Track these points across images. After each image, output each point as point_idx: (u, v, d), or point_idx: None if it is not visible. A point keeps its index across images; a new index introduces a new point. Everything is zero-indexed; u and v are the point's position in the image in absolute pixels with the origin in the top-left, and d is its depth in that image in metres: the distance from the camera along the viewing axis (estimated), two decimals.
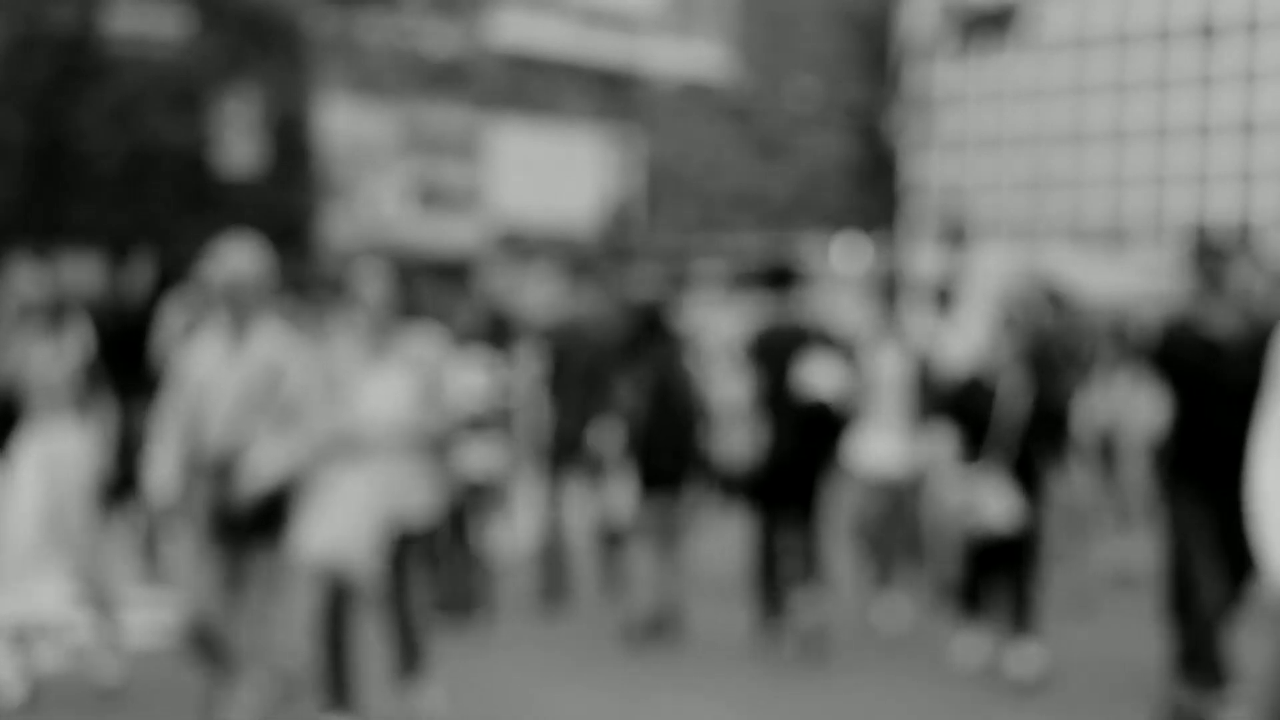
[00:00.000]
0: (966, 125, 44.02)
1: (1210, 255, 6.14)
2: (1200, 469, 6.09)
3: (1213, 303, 6.12)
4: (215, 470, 5.68)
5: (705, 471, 7.91)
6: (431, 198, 36.24)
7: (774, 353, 7.77)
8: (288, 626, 6.62)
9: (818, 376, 7.60)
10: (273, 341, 5.78)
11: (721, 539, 9.83)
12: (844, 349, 7.97)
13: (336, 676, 5.86)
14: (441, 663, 7.21)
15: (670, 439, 7.78)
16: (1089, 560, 9.83)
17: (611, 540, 8.95)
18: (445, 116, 36.32)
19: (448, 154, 36.55)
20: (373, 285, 5.93)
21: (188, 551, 5.74)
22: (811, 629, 7.54)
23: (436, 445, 6.02)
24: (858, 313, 11.46)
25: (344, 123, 33.44)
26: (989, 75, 42.92)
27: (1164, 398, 6.38)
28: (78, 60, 28.00)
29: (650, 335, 8.01)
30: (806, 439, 7.66)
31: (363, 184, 34.37)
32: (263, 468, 5.64)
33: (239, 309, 5.73)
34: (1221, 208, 39.11)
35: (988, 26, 41.09)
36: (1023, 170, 43.34)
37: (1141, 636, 7.71)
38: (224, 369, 5.73)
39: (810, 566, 7.65)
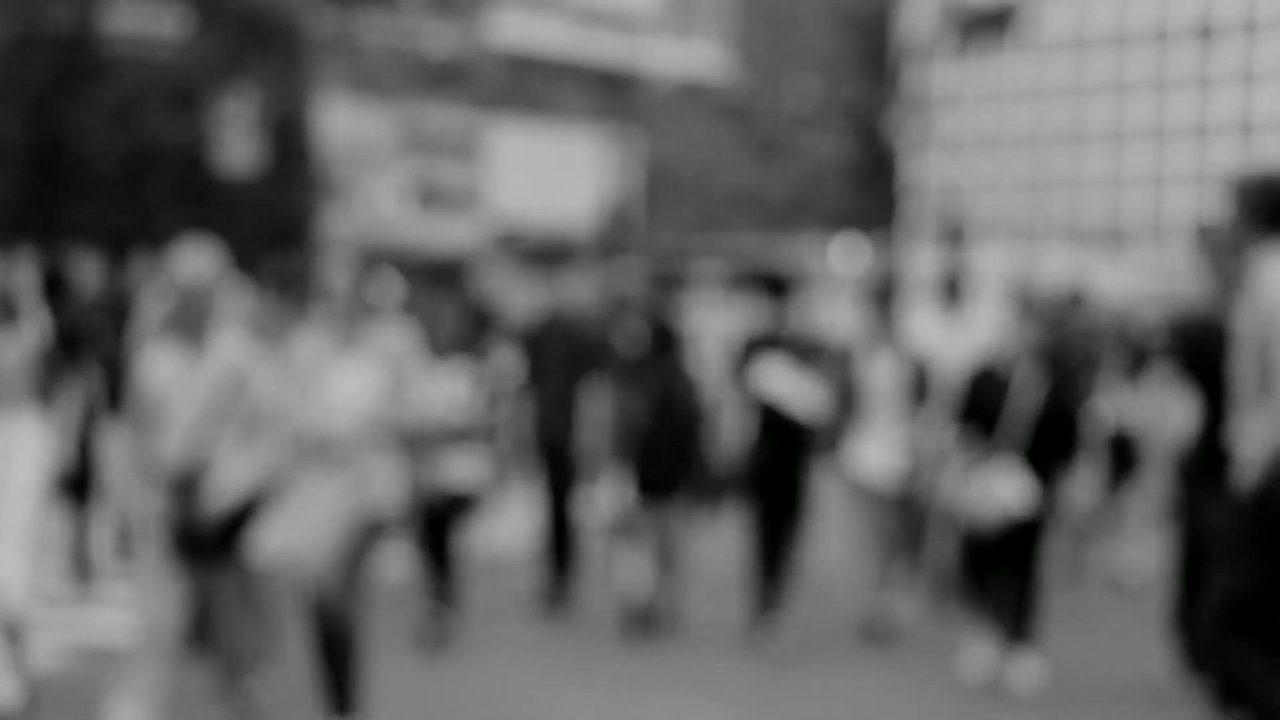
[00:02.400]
0: (965, 125, 43.98)
1: (1227, 253, 5.99)
2: (1229, 472, 5.95)
3: (1235, 300, 5.90)
4: (178, 483, 5.49)
5: (705, 475, 7.90)
6: (430, 198, 36.21)
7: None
8: (280, 633, 6.60)
9: (773, 382, 7.60)
10: (235, 346, 5.62)
11: (719, 538, 9.83)
12: (830, 358, 7.94)
13: (336, 680, 5.82)
14: (440, 663, 7.20)
15: (670, 444, 7.78)
16: (1087, 563, 9.83)
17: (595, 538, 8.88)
18: (444, 116, 36.29)
19: (447, 154, 36.51)
20: (342, 277, 5.81)
21: (152, 560, 5.52)
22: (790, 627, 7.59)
23: (404, 441, 5.84)
24: (854, 315, 11.42)
25: (343, 123, 33.40)
26: (988, 75, 42.89)
27: (1192, 401, 6.23)
28: (77, 60, 27.96)
29: (659, 346, 7.97)
30: (777, 442, 7.67)
31: (362, 184, 34.34)
32: (230, 483, 5.47)
33: (198, 312, 5.55)
34: (1220, 208, 39.03)
35: (987, 26, 41.05)
36: (1022, 170, 43.30)
37: (1140, 639, 7.72)
38: (185, 375, 5.55)
39: (780, 568, 7.69)
